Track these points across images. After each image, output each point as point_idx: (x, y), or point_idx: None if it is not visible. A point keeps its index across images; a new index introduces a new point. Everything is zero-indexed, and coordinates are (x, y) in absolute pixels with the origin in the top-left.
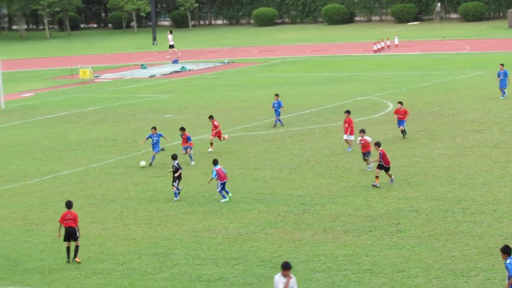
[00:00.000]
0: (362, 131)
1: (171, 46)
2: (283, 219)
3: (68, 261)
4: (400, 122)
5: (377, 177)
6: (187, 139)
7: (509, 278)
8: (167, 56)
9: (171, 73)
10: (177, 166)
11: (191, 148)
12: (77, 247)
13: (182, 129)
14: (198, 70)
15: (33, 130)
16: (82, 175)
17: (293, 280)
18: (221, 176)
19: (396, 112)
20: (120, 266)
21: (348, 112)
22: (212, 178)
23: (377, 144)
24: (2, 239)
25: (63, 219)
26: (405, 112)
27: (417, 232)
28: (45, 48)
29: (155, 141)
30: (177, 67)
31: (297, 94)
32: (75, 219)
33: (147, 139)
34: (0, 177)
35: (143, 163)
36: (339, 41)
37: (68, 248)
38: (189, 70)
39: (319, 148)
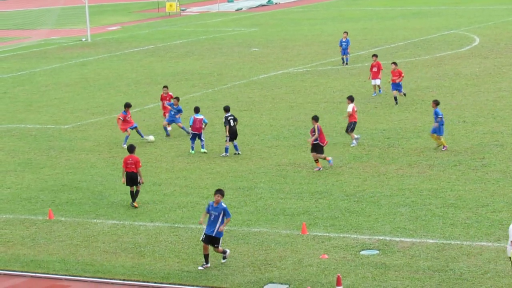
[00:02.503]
0: (350, 99)
1: None
2: (368, 153)
3: (132, 205)
4: (394, 85)
5: (316, 160)
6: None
7: None
8: None
9: (257, 6)
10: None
11: (134, 128)
12: (137, 192)
13: (128, 105)
14: (284, 3)
15: (119, 64)
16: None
17: None
18: (195, 127)
19: (391, 74)
20: (204, 200)
21: (375, 55)
22: (190, 126)
23: (315, 118)
24: (88, 172)
25: (125, 164)
26: (400, 73)
27: (502, 166)
28: None
29: (173, 113)
30: (264, 0)
31: (383, 28)
32: (136, 164)
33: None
34: (86, 110)
35: (151, 138)
36: None
37: (131, 192)
38: (276, 3)
39: (405, 82)
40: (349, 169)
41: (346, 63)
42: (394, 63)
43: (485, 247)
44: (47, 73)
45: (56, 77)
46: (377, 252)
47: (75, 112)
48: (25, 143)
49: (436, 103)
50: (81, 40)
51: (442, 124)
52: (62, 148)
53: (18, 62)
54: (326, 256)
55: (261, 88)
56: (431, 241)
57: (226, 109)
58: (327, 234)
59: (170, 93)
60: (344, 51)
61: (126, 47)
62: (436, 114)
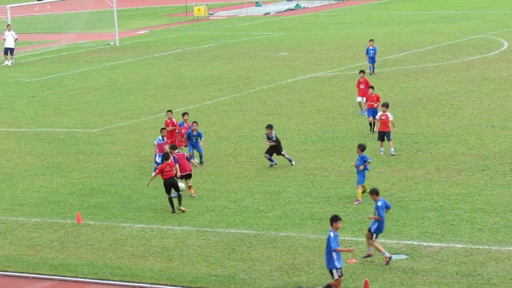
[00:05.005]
0: (385, 105)
1: None
2: (396, 157)
3: (173, 212)
4: (371, 111)
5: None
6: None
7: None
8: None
9: (285, 10)
10: (275, 138)
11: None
12: (179, 196)
13: (183, 114)
14: (313, 7)
15: (147, 68)
16: (195, 112)
17: None
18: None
19: (367, 99)
20: (232, 204)
21: (363, 71)
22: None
23: (173, 148)
24: (116, 176)
25: (161, 171)
26: (378, 98)
27: None
28: None
29: (194, 141)
30: (292, 4)
31: (411, 32)
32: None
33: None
34: (114, 114)
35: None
36: None
37: (170, 199)
38: (304, 7)
39: (433, 86)
40: (377, 174)
41: (373, 71)
42: (371, 87)
43: None
44: (76, 77)
45: (85, 81)
46: (405, 256)
47: (103, 116)
48: (54, 146)
49: (362, 148)
50: (110, 44)
51: (365, 171)
52: (91, 152)
53: (47, 66)
54: (354, 260)
55: (289, 92)
56: (459, 246)
57: (270, 127)
58: (355, 239)
59: (174, 120)
60: (372, 59)
61: (154, 51)
62: (364, 159)
